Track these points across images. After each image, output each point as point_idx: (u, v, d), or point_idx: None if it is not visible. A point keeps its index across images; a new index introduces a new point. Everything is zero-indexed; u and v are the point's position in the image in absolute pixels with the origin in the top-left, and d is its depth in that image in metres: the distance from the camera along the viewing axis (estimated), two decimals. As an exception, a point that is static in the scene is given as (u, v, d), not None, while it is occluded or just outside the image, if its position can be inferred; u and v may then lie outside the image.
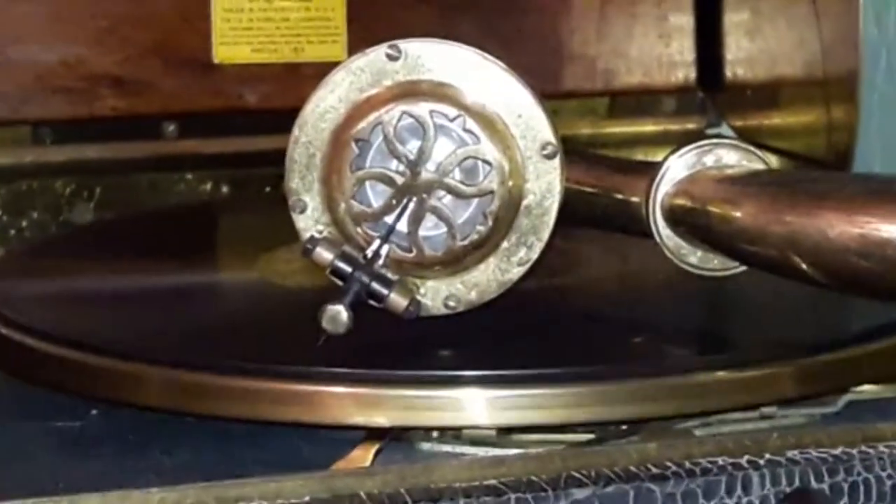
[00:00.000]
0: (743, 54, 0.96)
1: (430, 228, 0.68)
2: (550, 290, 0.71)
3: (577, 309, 0.72)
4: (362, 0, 0.94)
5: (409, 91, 0.68)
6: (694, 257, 0.71)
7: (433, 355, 0.65)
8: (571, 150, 0.69)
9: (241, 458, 0.59)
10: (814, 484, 0.56)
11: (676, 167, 0.70)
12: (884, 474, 0.57)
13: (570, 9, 0.96)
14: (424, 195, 0.67)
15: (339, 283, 0.65)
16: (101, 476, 0.54)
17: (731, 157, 0.70)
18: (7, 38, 0.90)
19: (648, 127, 0.95)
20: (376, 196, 0.68)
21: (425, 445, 0.62)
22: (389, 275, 0.66)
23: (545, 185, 0.67)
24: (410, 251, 0.67)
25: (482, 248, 0.68)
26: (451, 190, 0.67)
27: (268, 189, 0.75)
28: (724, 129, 0.85)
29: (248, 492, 0.53)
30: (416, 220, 0.67)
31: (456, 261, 0.68)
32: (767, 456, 0.56)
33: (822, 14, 0.89)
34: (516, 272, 0.68)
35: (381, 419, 0.61)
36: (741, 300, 0.72)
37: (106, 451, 0.63)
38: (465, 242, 0.67)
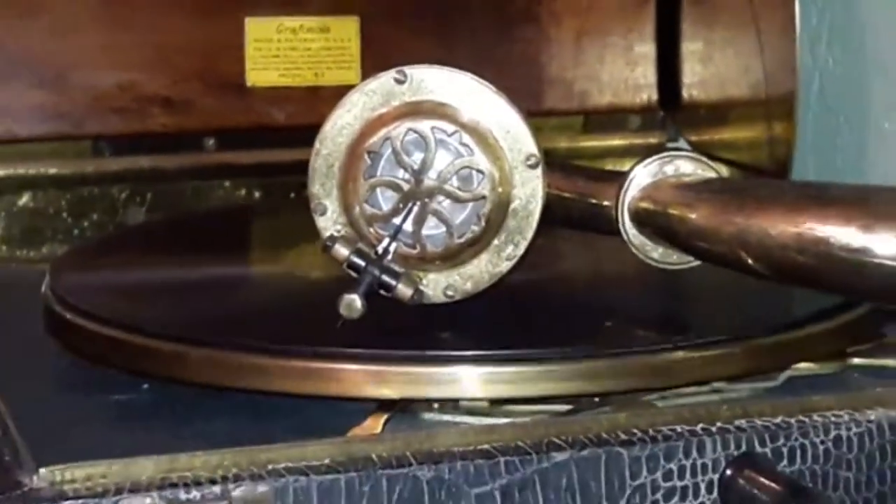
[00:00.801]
0: (697, 79, 0.96)
1: (432, 228, 0.67)
2: (534, 281, 0.71)
3: (557, 298, 0.72)
4: (373, 32, 0.93)
5: (414, 110, 0.67)
6: (656, 253, 0.70)
7: (434, 337, 0.64)
8: (551, 161, 0.69)
9: (271, 426, 0.58)
10: (758, 448, 0.55)
11: (641, 176, 0.70)
12: (817, 440, 0.56)
13: (549, 40, 0.96)
14: (427, 200, 0.66)
15: (354, 275, 0.64)
16: (151, 442, 0.53)
17: (687, 167, 0.70)
18: (71, 65, 0.89)
19: (617, 141, 0.95)
20: (385, 200, 0.67)
21: (427, 415, 0.61)
22: (397, 268, 0.65)
23: (529, 191, 0.67)
24: (414, 248, 0.66)
25: (476, 245, 0.67)
26: (449, 195, 0.67)
27: (293, 194, 0.75)
28: (682, 143, 0.84)
29: (276, 456, 0.53)
30: (419, 221, 0.66)
31: (453, 256, 0.67)
32: (718, 424, 0.56)
33: (765, 44, 0.89)
34: (505, 266, 0.67)
35: (389, 392, 0.60)
36: (697, 290, 0.72)
37: (155, 421, 0.62)
38: (462, 240, 0.67)
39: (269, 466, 0.52)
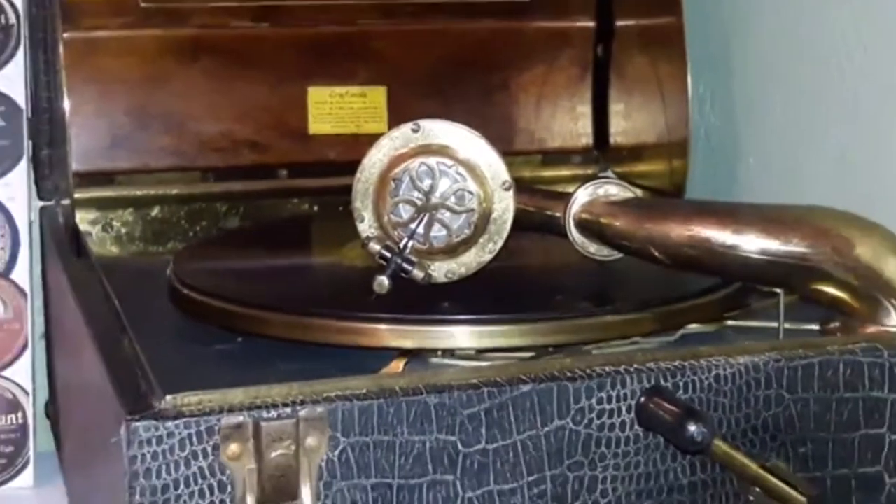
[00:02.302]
0: (620, 129, 0.96)
1: (437, 231, 0.67)
2: (508, 268, 0.70)
3: (523, 279, 0.71)
4: (396, 97, 0.93)
5: (425, 150, 0.68)
6: (592, 249, 0.70)
7: (438, 306, 0.64)
8: (519, 185, 0.69)
9: (325, 367, 0.57)
10: (662, 382, 0.55)
11: (582, 196, 0.70)
12: (703, 377, 0.56)
13: (518, 102, 0.96)
14: (433, 212, 0.67)
15: (383, 263, 0.65)
16: (242, 378, 0.53)
17: (613, 190, 0.70)
18: (187, 119, 0.89)
19: (565, 172, 0.95)
20: (405, 212, 0.68)
21: (433, 360, 0.61)
22: (413, 258, 0.65)
23: (504, 206, 0.67)
24: (425, 245, 0.67)
25: (468, 243, 0.67)
26: (449, 209, 0.67)
27: (341, 208, 0.74)
28: (610, 174, 0.84)
29: (329, 387, 0.52)
30: (428, 227, 0.67)
31: (452, 250, 0.68)
32: (635, 366, 0.55)
33: (667, 106, 0.89)
34: (488, 257, 0.68)
35: (407, 344, 0.61)
36: (620, 275, 0.71)
37: (245, 363, 0.63)
38: (458, 240, 0.67)
39: (324, 395, 0.51)
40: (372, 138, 0.69)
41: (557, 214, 0.70)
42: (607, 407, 0.54)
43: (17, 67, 0.84)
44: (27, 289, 0.85)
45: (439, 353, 0.61)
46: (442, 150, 0.67)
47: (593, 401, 0.54)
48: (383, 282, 0.63)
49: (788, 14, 0.85)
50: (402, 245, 0.66)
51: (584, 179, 0.71)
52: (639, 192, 0.70)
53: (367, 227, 0.68)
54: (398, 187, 0.67)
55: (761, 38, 0.88)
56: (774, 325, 0.64)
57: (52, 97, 0.82)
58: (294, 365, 0.60)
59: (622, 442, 0.55)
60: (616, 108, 0.95)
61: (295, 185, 0.90)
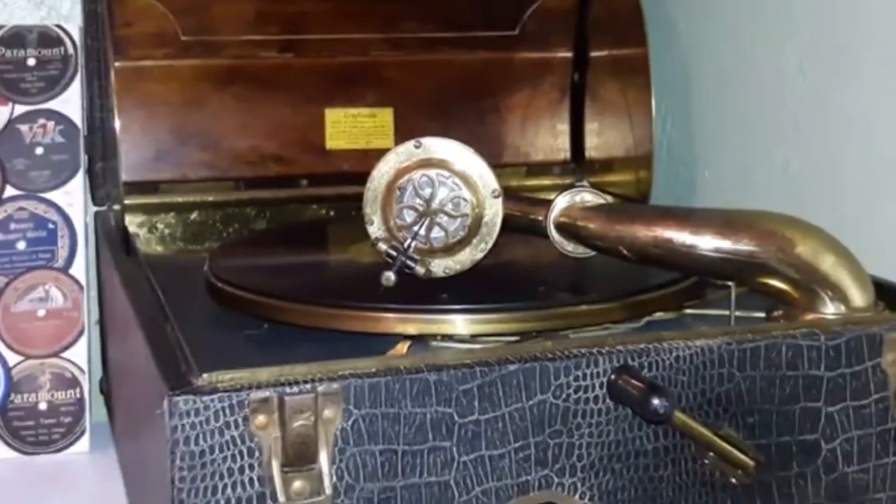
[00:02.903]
0: (594, 144, 0.96)
1: (436, 233, 0.67)
2: (497, 264, 0.70)
3: (510, 274, 0.71)
4: (401, 118, 0.93)
5: (425, 163, 0.67)
6: (570, 248, 0.70)
7: (437, 297, 0.64)
8: (507, 193, 0.68)
9: (340, 349, 0.57)
10: (630, 362, 0.55)
11: (561, 202, 0.69)
12: (665, 358, 0.56)
13: (506, 122, 0.96)
14: (433, 216, 0.67)
15: (390, 261, 0.65)
16: (268, 359, 0.53)
17: (588, 197, 0.70)
18: (221, 137, 0.89)
19: (546, 182, 0.95)
20: (409, 217, 0.67)
21: (433, 343, 0.61)
22: (415, 256, 0.65)
23: (494, 211, 0.67)
24: (426, 244, 0.67)
25: (462, 243, 0.67)
26: (446, 214, 0.67)
27: (353, 213, 0.74)
28: (585, 183, 0.84)
29: (343, 367, 0.52)
30: (428, 229, 0.67)
31: (449, 249, 0.67)
32: (607, 348, 0.55)
33: (633, 125, 0.90)
34: (479, 255, 0.67)
35: (411, 330, 0.61)
36: (594, 270, 0.71)
37: (270, 346, 0.62)
38: (454, 240, 0.67)
39: (339, 373, 0.52)
40: (380, 153, 0.68)
41: (540, 218, 0.70)
42: (582, 383, 0.54)
43: (75, 92, 0.84)
44: (84, 282, 0.85)
45: (438, 337, 0.61)
46: (440, 164, 0.67)
47: (570, 378, 0.54)
48: (390, 276, 0.63)
49: (739, 47, 0.85)
50: (406, 245, 0.65)
51: (563, 188, 0.71)
52: (610, 199, 0.70)
53: (375, 229, 0.68)
54: (403, 195, 0.67)
55: (716, 67, 0.88)
56: (726, 313, 0.64)
57: (105, 118, 0.83)
58: (313, 348, 0.59)
59: (595, 413, 0.55)
60: (590, 127, 0.95)
61: (314, 194, 0.90)
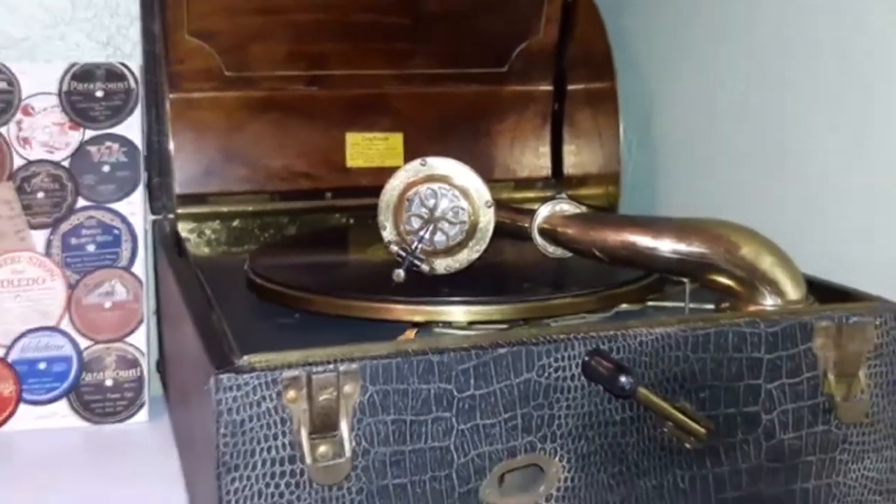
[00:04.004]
0: (571, 163, 0.95)
1: (439, 237, 0.67)
2: (490, 264, 0.70)
3: (500, 272, 0.71)
4: (410, 141, 0.92)
5: (430, 179, 0.67)
6: (551, 250, 0.70)
7: (440, 291, 0.64)
8: (499, 204, 0.68)
9: (358, 335, 0.57)
10: (601, 346, 0.55)
11: (543, 211, 0.69)
12: (630, 342, 0.55)
13: (497, 144, 0.95)
14: (436, 223, 0.67)
15: (400, 260, 0.64)
16: (297, 343, 0.53)
17: (567, 207, 0.70)
18: (259, 156, 0.89)
19: (531, 194, 0.94)
20: (416, 223, 0.67)
21: (436, 330, 0.61)
22: (421, 257, 0.65)
23: (487, 219, 0.67)
24: (430, 247, 0.66)
25: (461, 245, 0.67)
26: (447, 221, 0.67)
27: (370, 220, 0.74)
28: (564, 196, 0.84)
29: (360, 350, 0.52)
30: (432, 234, 0.66)
31: (450, 251, 0.67)
32: (581, 334, 0.55)
33: (604, 146, 0.89)
34: (475, 255, 0.67)
35: (418, 318, 0.61)
36: (571, 269, 0.71)
37: (300, 333, 0.62)
38: (454, 243, 0.67)
39: (357, 355, 0.51)
40: (392, 170, 0.68)
41: (525, 225, 0.70)
42: (561, 364, 0.54)
43: (136, 119, 0.84)
44: (143, 279, 0.85)
45: (440, 324, 0.60)
46: (442, 179, 0.67)
47: (551, 359, 0.54)
48: (400, 273, 0.63)
49: (692, 82, 0.85)
50: (413, 247, 0.65)
51: (545, 200, 0.71)
52: (584, 209, 0.70)
53: (388, 234, 0.68)
54: (411, 205, 0.67)
55: (673, 100, 0.88)
56: (682, 305, 0.64)
57: (161, 141, 0.82)
58: (335, 333, 0.59)
59: (572, 389, 0.55)
60: (568, 149, 0.95)
61: (336, 204, 0.90)
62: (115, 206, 0.84)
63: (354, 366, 0.51)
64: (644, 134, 0.91)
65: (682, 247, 0.61)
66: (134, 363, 0.84)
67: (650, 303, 0.66)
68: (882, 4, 0.65)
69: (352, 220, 0.90)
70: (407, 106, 0.93)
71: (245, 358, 0.51)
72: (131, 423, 0.84)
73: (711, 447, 0.57)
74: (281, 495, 0.50)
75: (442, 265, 0.67)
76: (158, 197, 0.84)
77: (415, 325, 0.60)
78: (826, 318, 0.58)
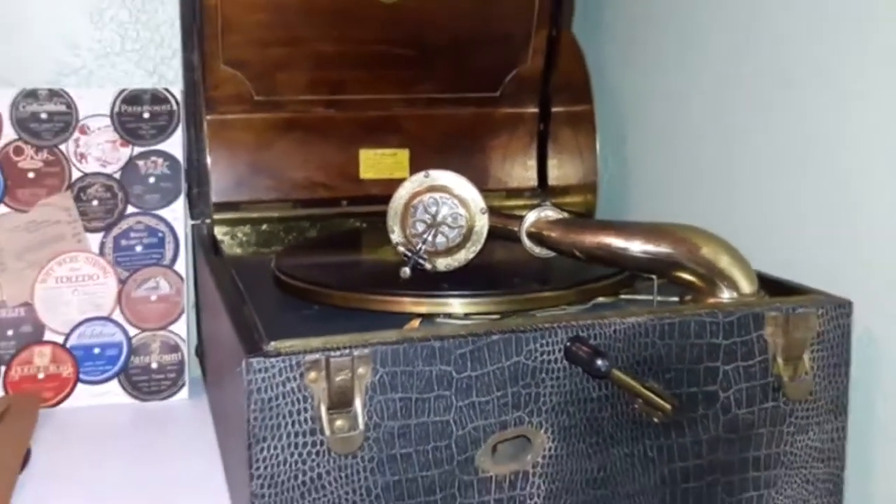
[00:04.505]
0: (554, 175, 0.95)
1: (440, 239, 0.67)
2: (484, 262, 0.69)
3: (494, 269, 0.70)
4: (415, 156, 0.92)
5: (432, 188, 0.67)
6: (538, 250, 0.70)
7: (441, 286, 0.64)
8: (492, 211, 0.68)
9: (370, 324, 0.57)
10: (581, 333, 0.55)
11: (530, 217, 0.69)
12: (606, 330, 0.55)
13: (490, 158, 0.95)
14: (438, 227, 0.66)
15: (406, 259, 0.64)
16: (317, 331, 0.53)
17: (551, 213, 0.69)
18: (283, 169, 0.88)
19: (520, 202, 0.94)
20: (420, 227, 0.67)
21: (438, 320, 0.60)
22: (425, 256, 0.65)
23: (482, 223, 0.67)
24: (433, 248, 0.66)
25: (459, 246, 0.67)
26: (447, 225, 0.66)
27: (380, 224, 0.74)
28: (548, 204, 0.83)
29: (372, 337, 0.52)
30: (434, 236, 0.66)
31: (450, 251, 0.67)
32: (564, 323, 0.55)
33: (583, 161, 0.89)
34: (471, 255, 0.67)
35: (422, 310, 0.60)
36: (555, 267, 0.70)
37: (320, 323, 0.62)
38: (453, 245, 0.67)
39: (369, 341, 0.51)
40: (399, 182, 0.68)
41: (515, 229, 0.70)
42: (546, 349, 0.54)
43: (177, 137, 0.84)
44: (184, 275, 0.85)
45: (441, 315, 0.60)
46: (443, 189, 0.67)
47: (537, 345, 0.54)
48: (406, 271, 0.63)
49: (660, 105, 0.85)
50: (417, 248, 0.65)
51: (532, 207, 0.71)
52: (566, 215, 0.70)
53: (396, 237, 0.67)
54: (415, 212, 0.67)
55: (643, 122, 0.88)
56: (651, 298, 0.64)
57: (199, 156, 0.82)
58: (350, 323, 0.59)
59: (555, 371, 0.55)
60: (552, 163, 0.95)
61: (351, 211, 0.90)
62: (159, 212, 0.84)
63: (367, 351, 0.51)
64: (618, 150, 0.91)
65: (651, 247, 0.61)
66: (176, 348, 0.84)
67: (623, 296, 0.66)
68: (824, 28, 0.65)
69: (364, 225, 0.90)
70: (413, 126, 0.93)
71: (272, 344, 0.51)
72: (173, 400, 0.84)
73: (676, 421, 0.57)
74: (304, 462, 0.51)
75: (442, 264, 0.67)
76: (197, 204, 0.84)
77: (419, 315, 0.60)
78: (775, 309, 0.58)
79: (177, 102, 0.85)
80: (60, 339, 0.82)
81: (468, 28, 0.88)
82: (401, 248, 0.66)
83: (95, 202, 0.83)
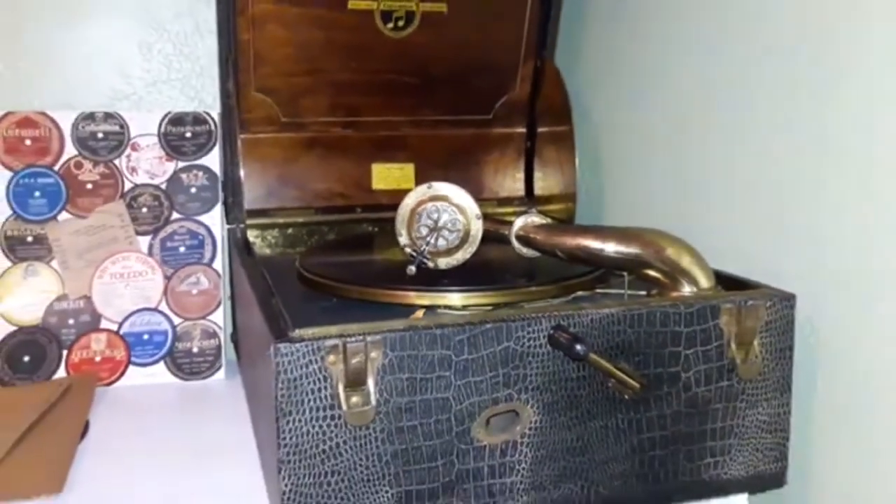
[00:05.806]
0: (540, 185, 0.94)
1: (441, 241, 0.66)
2: (479, 261, 0.69)
3: (487, 267, 0.70)
4: (420, 169, 0.91)
5: (434, 198, 0.67)
6: (525, 251, 0.69)
7: (442, 282, 0.63)
8: (486, 217, 0.68)
9: (381, 315, 0.57)
10: (562, 322, 0.54)
11: (519, 222, 0.69)
12: (584, 319, 0.55)
13: (484, 171, 0.94)
14: (439, 231, 0.66)
15: (412, 259, 0.64)
16: (335, 320, 0.53)
17: (537, 219, 0.69)
18: (306, 180, 0.88)
19: (510, 209, 0.93)
20: (424, 231, 0.67)
21: (439, 311, 0.60)
22: (428, 256, 0.65)
23: (477, 228, 0.66)
24: (435, 248, 0.66)
25: (457, 248, 0.67)
26: (447, 229, 0.66)
27: (389, 228, 0.73)
28: (534, 211, 0.83)
29: (383, 326, 0.52)
30: (436, 239, 0.66)
31: (449, 252, 0.67)
32: (548, 314, 0.55)
33: (564, 173, 0.89)
34: (468, 256, 0.67)
35: (426, 303, 0.60)
36: (540, 265, 0.70)
37: (338, 313, 0.62)
38: (452, 246, 0.66)
39: (379, 329, 0.51)
40: (406, 192, 0.68)
41: (506, 232, 0.69)
42: (532, 336, 0.54)
43: (215, 154, 0.84)
44: (221, 272, 0.85)
45: (442, 307, 0.60)
46: (444, 198, 0.67)
47: (524, 332, 0.54)
48: (412, 269, 0.63)
49: (629, 128, 0.85)
50: (422, 249, 0.65)
51: (520, 213, 0.71)
52: (550, 221, 0.69)
53: (403, 239, 0.67)
54: (420, 218, 0.67)
55: (615, 140, 0.87)
56: (622, 292, 0.64)
57: (234, 170, 0.82)
58: (364, 313, 0.59)
59: (540, 355, 0.55)
60: (537, 175, 0.95)
61: (365, 217, 0.89)
62: (200, 218, 0.84)
63: (378, 337, 0.51)
64: (594, 165, 0.91)
65: (622, 248, 0.61)
66: (214, 335, 0.84)
67: (598, 290, 0.66)
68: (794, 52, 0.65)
69: (376, 229, 0.90)
70: (418, 144, 0.92)
71: (297, 331, 0.51)
72: (212, 380, 0.84)
73: (644, 398, 0.57)
74: (324, 433, 0.51)
75: (443, 263, 0.67)
76: (232, 211, 0.84)
77: (423, 307, 0.60)
78: (729, 302, 0.58)
79: (215, 124, 0.85)
80: (115, 327, 0.82)
81: (465, 59, 0.88)
82: (407, 249, 0.66)
83: (145, 209, 0.83)
